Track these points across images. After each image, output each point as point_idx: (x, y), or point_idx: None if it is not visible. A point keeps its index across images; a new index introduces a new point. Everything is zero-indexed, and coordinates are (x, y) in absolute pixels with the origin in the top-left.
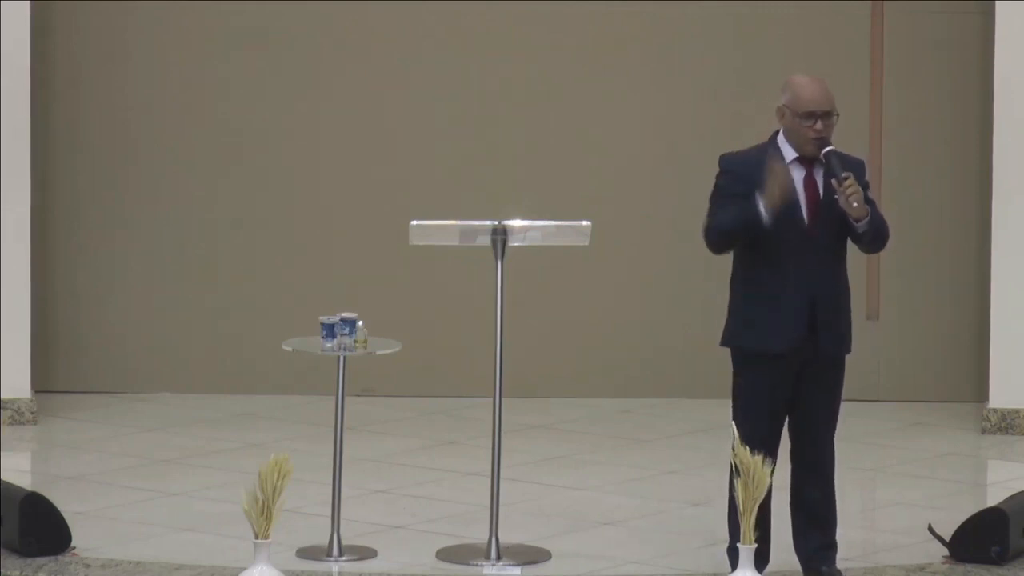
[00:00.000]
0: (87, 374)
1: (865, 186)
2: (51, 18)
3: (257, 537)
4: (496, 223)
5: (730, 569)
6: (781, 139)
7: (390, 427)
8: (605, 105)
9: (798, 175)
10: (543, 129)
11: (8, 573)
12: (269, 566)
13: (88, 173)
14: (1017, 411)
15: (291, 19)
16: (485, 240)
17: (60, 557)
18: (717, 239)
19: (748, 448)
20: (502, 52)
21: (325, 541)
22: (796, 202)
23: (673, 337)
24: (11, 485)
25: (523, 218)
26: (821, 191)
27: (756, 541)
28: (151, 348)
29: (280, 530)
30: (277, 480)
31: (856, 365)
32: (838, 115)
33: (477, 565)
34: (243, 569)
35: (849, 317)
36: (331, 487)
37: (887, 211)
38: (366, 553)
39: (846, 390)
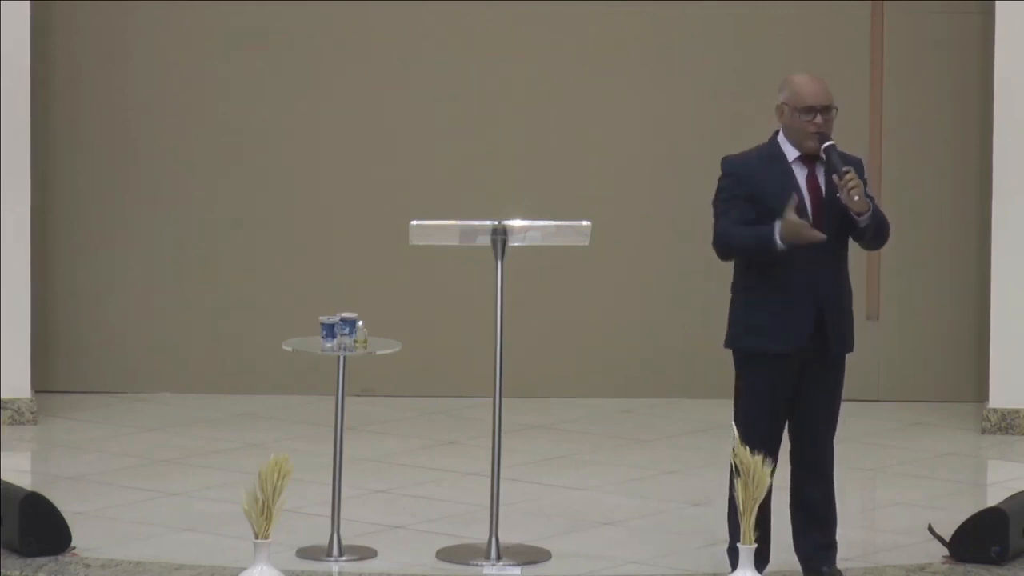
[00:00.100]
0: (87, 374)
1: (864, 183)
2: (51, 18)
3: (257, 537)
4: (496, 223)
5: (730, 569)
6: (781, 138)
7: (390, 427)
8: (605, 105)
9: (800, 174)
10: (543, 129)
11: (8, 573)
12: (269, 566)
13: (88, 173)
14: (1017, 411)
15: (291, 19)
16: (485, 240)
17: (60, 557)
18: (727, 254)
19: (748, 448)
20: (502, 52)
21: (325, 541)
22: (803, 206)
23: (673, 337)
24: (11, 485)
25: (523, 218)
26: (823, 190)
27: (756, 541)
28: (151, 348)
29: (280, 530)
30: (277, 480)
31: (856, 365)
32: (837, 109)
33: (477, 565)
34: (243, 569)
35: (851, 316)
36: (331, 487)
37: (887, 211)
38: (366, 553)
39: (846, 390)
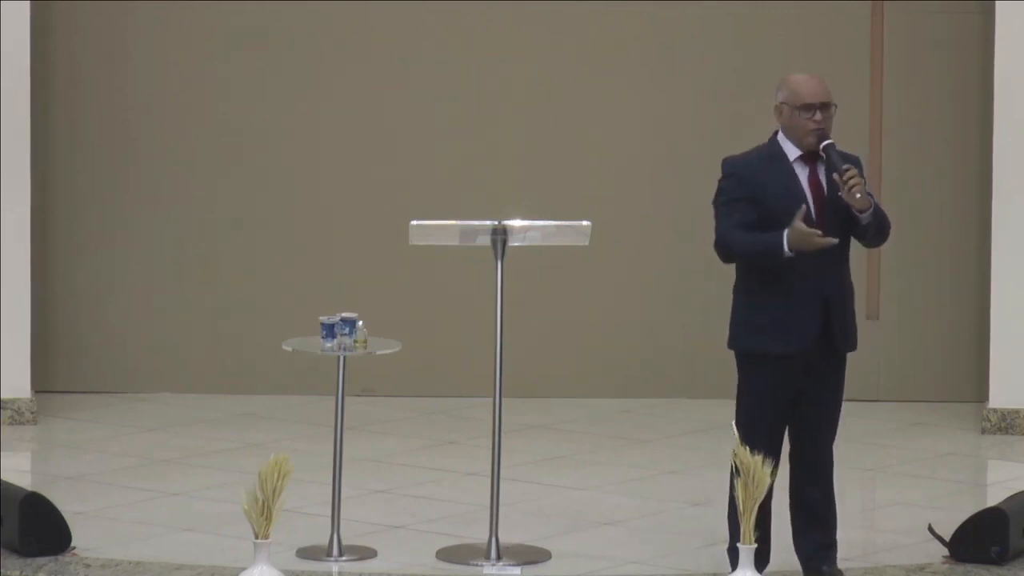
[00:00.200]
0: (87, 374)
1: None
2: (51, 18)
3: (257, 537)
4: (496, 223)
5: (730, 569)
6: (781, 138)
7: (390, 427)
8: (605, 105)
9: (802, 173)
10: (543, 129)
11: (8, 573)
12: (269, 566)
13: (88, 173)
14: (1017, 411)
15: (291, 19)
16: (485, 240)
17: (60, 557)
18: (730, 258)
19: (749, 448)
20: (502, 52)
21: (325, 541)
22: (809, 215)
23: (673, 337)
24: (11, 485)
25: (523, 218)
26: (825, 188)
27: (756, 541)
28: (151, 348)
29: (280, 530)
30: (277, 480)
31: (856, 365)
32: (836, 107)
33: (477, 565)
34: (243, 569)
35: (855, 315)
36: (331, 487)
37: (887, 211)
38: (366, 553)
39: (846, 390)
